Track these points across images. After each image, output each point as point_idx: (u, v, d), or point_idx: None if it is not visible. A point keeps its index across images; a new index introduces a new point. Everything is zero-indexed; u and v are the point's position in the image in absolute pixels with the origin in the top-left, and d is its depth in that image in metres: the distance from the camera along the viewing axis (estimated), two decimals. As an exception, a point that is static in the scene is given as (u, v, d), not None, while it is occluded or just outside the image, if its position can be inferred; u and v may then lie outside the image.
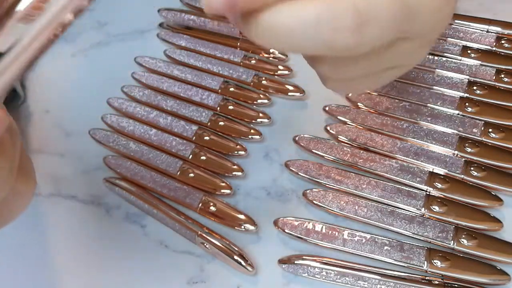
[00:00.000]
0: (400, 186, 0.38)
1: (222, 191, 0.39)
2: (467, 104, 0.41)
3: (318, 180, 0.39)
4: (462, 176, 0.38)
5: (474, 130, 0.40)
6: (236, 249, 0.36)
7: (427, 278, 0.34)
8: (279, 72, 0.46)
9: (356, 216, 0.37)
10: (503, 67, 0.44)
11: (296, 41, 0.20)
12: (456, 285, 0.34)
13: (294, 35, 0.20)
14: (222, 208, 0.38)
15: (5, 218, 0.24)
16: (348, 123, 0.42)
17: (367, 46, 0.22)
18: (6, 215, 0.24)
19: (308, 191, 0.38)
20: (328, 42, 0.20)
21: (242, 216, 0.38)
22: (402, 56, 0.26)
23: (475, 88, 0.42)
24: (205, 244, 0.36)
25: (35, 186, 0.24)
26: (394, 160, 0.39)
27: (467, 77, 0.43)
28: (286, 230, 0.37)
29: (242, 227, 0.37)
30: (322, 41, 0.20)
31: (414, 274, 0.34)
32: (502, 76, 0.43)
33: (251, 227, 0.37)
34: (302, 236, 0.36)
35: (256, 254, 0.37)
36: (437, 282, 0.34)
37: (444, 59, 0.45)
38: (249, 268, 0.35)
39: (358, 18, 0.20)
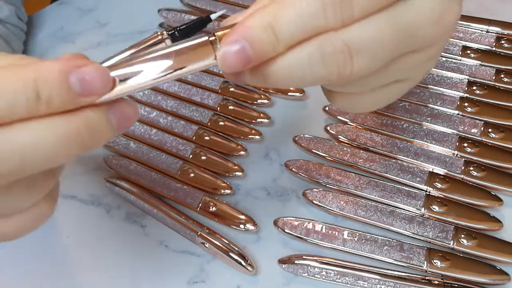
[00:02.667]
0: (400, 186, 0.38)
1: (222, 191, 0.39)
2: (466, 104, 0.42)
3: (318, 180, 0.39)
4: (462, 176, 0.38)
5: (474, 130, 0.40)
6: (236, 249, 0.36)
7: (427, 278, 0.34)
8: (279, 72, 0.46)
9: (356, 216, 0.37)
10: (503, 67, 0.44)
11: (299, 81, 0.24)
12: (456, 285, 0.34)
13: (295, 78, 0.23)
14: (223, 208, 0.38)
15: (16, 233, 0.25)
16: (348, 123, 0.42)
17: (364, 72, 0.23)
18: (19, 230, 0.25)
19: (308, 191, 0.38)
20: (325, 76, 0.23)
21: (242, 216, 0.38)
22: (409, 69, 0.26)
23: (474, 88, 0.42)
24: (205, 244, 0.36)
25: (55, 206, 0.26)
26: (394, 160, 0.39)
27: (467, 77, 0.43)
28: (286, 230, 0.37)
29: (242, 227, 0.37)
30: (320, 76, 0.23)
31: (414, 274, 0.35)
32: (502, 76, 0.43)
33: (251, 227, 0.37)
34: (302, 236, 0.36)
35: (256, 254, 0.37)
36: (437, 282, 0.34)
37: (444, 59, 0.45)
38: (249, 268, 0.35)
39: (347, 53, 0.22)
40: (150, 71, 0.23)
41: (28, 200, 0.23)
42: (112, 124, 0.23)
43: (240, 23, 0.22)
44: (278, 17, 0.22)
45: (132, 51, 0.28)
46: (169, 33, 0.29)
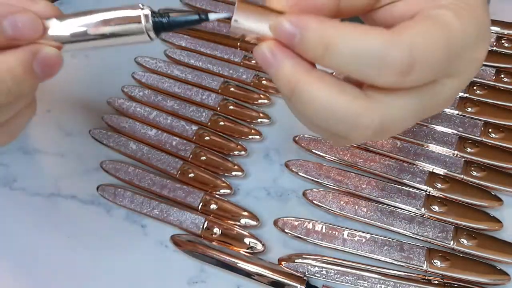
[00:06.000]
0: (400, 186, 0.38)
1: (222, 191, 0.39)
2: (467, 104, 0.42)
3: (318, 180, 0.39)
4: (462, 176, 0.38)
5: (474, 130, 0.40)
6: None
7: (427, 278, 0.34)
8: (279, 72, 0.46)
9: (356, 216, 0.37)
10: (503, 66, 0.44)
11: (353, 66, 0.22)
12: (456, 285, 0.34)
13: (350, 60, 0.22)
14: (224, 206, 0.38)
15: (13, 133, 0.30)
16: (348, 123, 0.42)
17: (407, 85, 0.23)
18: (14, 130, 0.30)
19: (308, 191, 0.38)
20: (371, 77, 0.22)
21: (245, 213, 0.38)
22: (438, 95, 0.25)
23: (475, 88, 0.42)
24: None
25: (35, 111, 0.31)
26: (394, 160, 0.39)
27: (467, 77, 0.43)
28: (286, 230, 0.37)
29: (243, 221, 0.37)
30: (367, 74, 0.22)
31: (414, 273, 0.35)
32: (502, 76, 0.43)
33: (252, 223, 0.37)
34: (302, 236, 0.36)
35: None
36: (437, 282, 0.34)
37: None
38: (249, 268, 0.35)
39: (409, 65, 0.22)
40: (86, 30, 0.27)
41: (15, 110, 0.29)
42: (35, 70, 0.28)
43: (306, 16, 0.23)
44: (337, 40, 0.22)
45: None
46: (154, 19, 0.26)
